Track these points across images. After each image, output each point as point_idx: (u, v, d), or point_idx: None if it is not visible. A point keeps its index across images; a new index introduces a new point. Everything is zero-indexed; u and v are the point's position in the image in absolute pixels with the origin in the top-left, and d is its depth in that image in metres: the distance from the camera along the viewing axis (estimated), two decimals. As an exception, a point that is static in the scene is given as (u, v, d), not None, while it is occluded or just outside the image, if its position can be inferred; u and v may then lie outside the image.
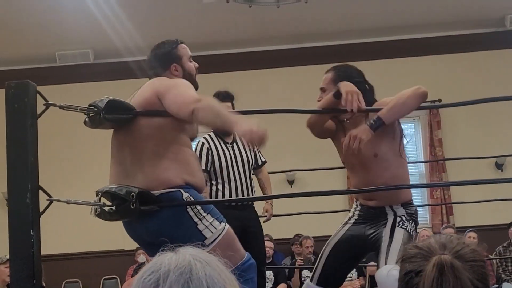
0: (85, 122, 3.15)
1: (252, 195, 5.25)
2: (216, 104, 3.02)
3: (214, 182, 5.06)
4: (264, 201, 5.58)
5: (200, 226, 3.03)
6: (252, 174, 5.40)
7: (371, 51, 9.33)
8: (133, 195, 2.94)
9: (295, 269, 8.13)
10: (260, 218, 5.36)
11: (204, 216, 3.06)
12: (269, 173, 5.74)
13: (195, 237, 2.91)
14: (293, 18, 8.29)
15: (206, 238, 3.02)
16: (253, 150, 5.33)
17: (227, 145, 5.13)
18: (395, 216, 3.61)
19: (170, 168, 3.04)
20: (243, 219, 4.91)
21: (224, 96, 5.13)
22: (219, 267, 1.10)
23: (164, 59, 3.35)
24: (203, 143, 5.10)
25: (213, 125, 3.12)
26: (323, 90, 3.79)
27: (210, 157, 5.05)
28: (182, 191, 3.04)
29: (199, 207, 3.05)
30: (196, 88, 3.31)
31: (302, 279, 7.83)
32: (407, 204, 3.72)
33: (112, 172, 3.20)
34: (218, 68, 8.95)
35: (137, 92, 3.27)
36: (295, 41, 9.32)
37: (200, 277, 1.06)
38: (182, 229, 3.01)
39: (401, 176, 3.73)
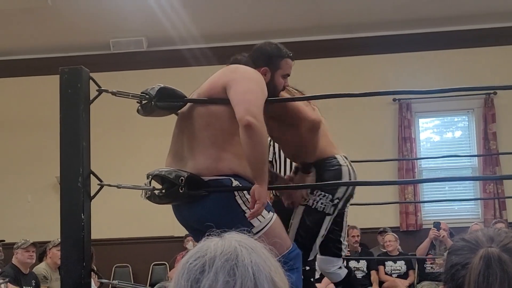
0: (138, 110, 3.17)
1: None
2: (265, 141, 2.98)
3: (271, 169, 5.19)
4: None
5: (248, 214, 3.04)
6: None
7: (424, 42, 9.23)
8: (182, 179, 2.96)
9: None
10: None
11: None
12: None
13: (243, 225, 2.88)
14: (343, 7, 8.24)
15: (254, 226, 3.02)
16: None
17: None
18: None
19: (223, 158, 3.04)
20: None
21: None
22: (265, 254, 1.10)
23: (263, 59, 3.34)
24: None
25: (247, 156, 2.95)
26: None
27: (270, 149, 5.15)
28: (232, 179, 3.04)
29: (248, 196, 3.03)
30: (278, 91, 3.36)
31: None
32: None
33: (168, 158, 3.23)
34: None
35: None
36: (346, 30, 9.26)
37: (246, 264, 1.06)
38: (230, 216, 3.00)
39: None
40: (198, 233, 3.15)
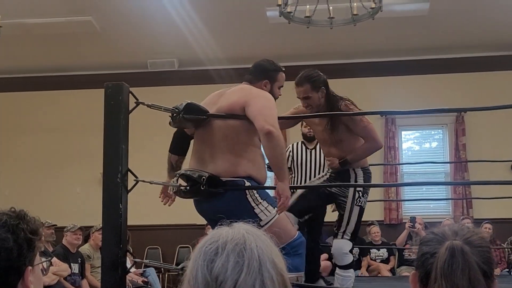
0: (170, 123, 3.19)
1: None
2: (283, 145, 3.04)
3: (291, 175, 5.34)
4: None
5: (256, 210, 3.06)
6: None
7: (409, 67, 9.22)
8: (203, 179, 2.99)
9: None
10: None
11: (260, 202, 3.08)
12: None
13: (251, 218, 2.91)
14: (344, 37, 8.23)
15: (261, 220, 3.04)
16: None
17: (307, 150, 5.37)
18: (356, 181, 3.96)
19: (239, 164, 3.06)
20: None
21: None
22: (267, 241, 1.12)
23: (263, 73, 3.34)
24: (288, 149, 5.41)
25: (269, 158, 3.04)
26: (307, 98, 3.86)
27: (290, 158, 5.38)
28: (245, 180, 3.07)
29: (257, 195, 3.08)
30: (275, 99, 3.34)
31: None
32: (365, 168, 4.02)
33: (191, 161, 3.24)
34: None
35: (226, 90, 3.27)
36: (345, 57, 9.26)
37: (252, 248, 1.07)
38: (241, 211, 3.01)
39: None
40: (214, 223, 3.15)
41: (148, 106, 2.93)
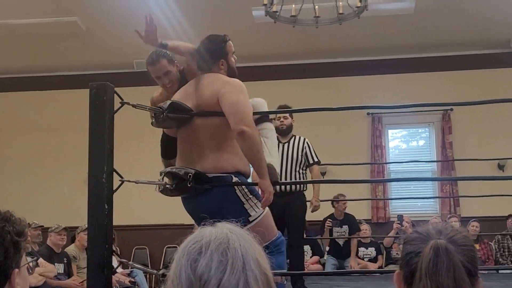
0: (152, 123, 3.18)
1: (296, 186, 5.41)
2: (258, 142, 3.01)
3: None
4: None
5: (246, 205, 3.06)
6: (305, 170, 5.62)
7: (394, 66, 9.27)
8: (190, 175, 2.98)
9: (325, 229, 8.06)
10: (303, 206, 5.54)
11: (250, 198, 3.08)
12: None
13: (241, 214, 2.96)
14: (330, 36, 8.25)
15: (250, 215, 3.05)
16: (302, 151, 5.53)
17: (280, 143, 5.26)
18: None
19: (226, 159, 3.06)
20: (282, 204, 4.97)
21: (282, 107, 5.48)
22: (250, 239, 1.12)
23: (214, 55, 3.25)
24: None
25: (247, 157, 3.04)
26: (167, 73, 3.63)
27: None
28: (233, 175, 3.06)
29: (246, 190, 3.07)
30: (236, 76, 3.30)
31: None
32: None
33: (178, 160, 3.24)
34: (265, 76, 8.96)
35: (196, 85, 3.23)
36: (331, 56, 9.28)
37: (235, 247, 1.08)
38: (230, 206, 3.02)
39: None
40: (201, 221, 3.15)
41: (133, 106, 2.92)
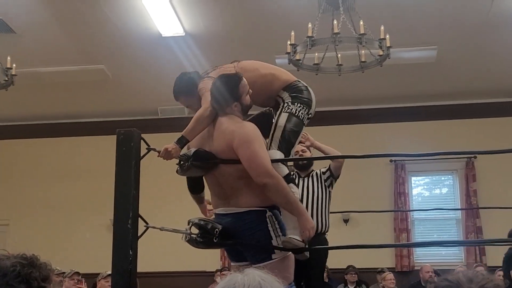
0: (176, 171, 3.18)
1: (323, 224, 4.81)
2: (284, 186, 2.97)
3: None
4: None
5: (274, 242, 3.04)
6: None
7: (417, 113, 9.26)
8: (216, 231, 2.98)
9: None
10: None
11: (280, 235, 3.06)
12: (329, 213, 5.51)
13: (268, 248, 3.03)
14: (352, 84, 8.29)
15: (274, 253, 3.03)
16: (325, 174, 5.08)
17: (301, 178, 5.02)
18: (283, 102, 3.37)
19: (258, 194, 3.04)
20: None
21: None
22: (279, 286, 1.12)
23: (228, 98, 3.17)
24: None
25: (281, 205, 3.04)
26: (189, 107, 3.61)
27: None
28: (267, 209, 3.07)
29: (277, 226, 3.06)
30: (250, 107, 3.27)
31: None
32: (289, 86, 3.41)
33: (213, 199, 3.27)
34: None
35: (212, 131, 3.21)
36: (353, 103, 9.31)
37: None
38: (259, 238, 3.04)
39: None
40: (233, 250, 3.26)
41: (159, 152, 2.95)
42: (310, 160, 5.11)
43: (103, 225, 9.36)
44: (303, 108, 3.35)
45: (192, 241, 3.06)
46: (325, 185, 5.08)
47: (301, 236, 3.03)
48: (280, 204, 3.04)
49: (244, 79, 3.24)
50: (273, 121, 3.34)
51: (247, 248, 3.13)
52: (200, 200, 3.52)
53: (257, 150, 2.99)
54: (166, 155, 3.10)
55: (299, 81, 3.49)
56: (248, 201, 3.07)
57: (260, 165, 2.95)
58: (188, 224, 3.08)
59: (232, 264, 3.48)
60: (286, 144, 3.25)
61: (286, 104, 3.33)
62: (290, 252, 3.10)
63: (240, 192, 3.08)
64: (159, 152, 3.01)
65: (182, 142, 3.17)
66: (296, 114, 3.30)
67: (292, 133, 3.28)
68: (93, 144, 9.79)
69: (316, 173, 5.15)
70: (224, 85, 3.20)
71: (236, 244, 3.12)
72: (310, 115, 3.40)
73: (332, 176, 5.12)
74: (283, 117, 3.29)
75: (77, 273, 6.77)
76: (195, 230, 3.08)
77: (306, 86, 3.48)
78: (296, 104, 3.34)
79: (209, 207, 3.52)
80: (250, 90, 3.26)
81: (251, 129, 3.10)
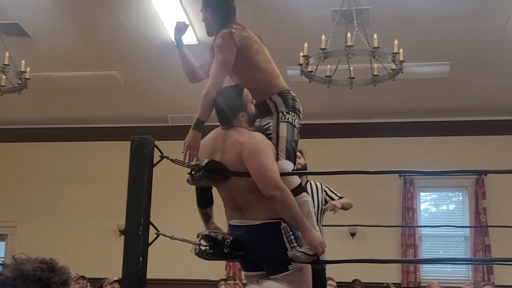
0: (187, 180, 3.18)
1: None
2: (291, 200, 2.96)
3: None
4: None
5: (289, 253, 3.02)
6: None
7: (428, 129, 9.24)
8: (227, 242, 2.98)
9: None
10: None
11: (295, 246, 3.04)
12: (335, 226, 5.50)
13: (284, 259, 3.01)
14: (364, 97, 8.29)
15: (290, 264, 3.02)
16: (322, 195, 5.15)
17: None
18: (277, 111, 3.32)
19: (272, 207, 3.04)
20: None
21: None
22: None
23: (232, 111, 3.17)
24: None
25: (286, 219, 3.00)
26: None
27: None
28: (282, 221, 3.04)
29: (292, 237, 3.04)
30: (256, 117, 3.27)
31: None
32: (283, 93, 3.38)
33: (227, 211, 3.25)
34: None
35: (217, 144, 3.21)
36: (364, 116, 9.31)
37: None
38: (275, 249, 3.02)
39: None
40: (246, 260, 3.23)
41: (172, 161, 2.94)
42: (316, 174, 5.15)
43: (110, 231, 9.39)
44: (297, 118, 3.36)
45: (202, 254, 3.05)
46: (322, 201, 5.11)
47: (312, 252, 3.00)
48: (285, 217, 3.00)
49: (246, 89, 3.24)
50: (258, 122, 3.34)
51: (262, 259, 3.13)
52: (206, 218, 3.42)
53: (265, 162, 2.98)
54: (192, 150, 3.09)
55: (290, 90, 3.47)
56: (263, 214, 3.05)
57: (268, 177, 2.94)
58: (197, 237, 3.08)
59: (244, 273, 3.48)
60: (291, 154, 3.25)
61: (282, 114, 3.31)
62: (306, 265, 3.09)
63: (254, 205, 3.08)
64: (172, 160, 2.97)
65: (199, 126, 3.19)
66: (293, 124, 3.30)
67: (294, 142, 3.29)
68: (103, 149, 9.83)
69: (317, 186, 5.17)
70: (228, 97, 3.20)
71: (247, 255, 3.11)
72: (300, 126, 3.39)
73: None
74: (283, 127, 3.28)
75: (83, 277, 6.77)
76: (204, 243, 3.07)
77: (294, 96, 3.45)
78: (291, 113, 3.33)
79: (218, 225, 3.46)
80: (254, 100, 3.26)
81: (260, 139, 3.10)
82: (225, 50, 3.24)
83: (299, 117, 3.38)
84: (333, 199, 5.20)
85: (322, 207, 5.11)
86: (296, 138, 3.32)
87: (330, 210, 5.08)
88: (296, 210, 2.97)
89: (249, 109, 3.22)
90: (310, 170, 5.25)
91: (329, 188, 5.28)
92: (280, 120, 3.30)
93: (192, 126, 3.19)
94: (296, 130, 3.32)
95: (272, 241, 3.05)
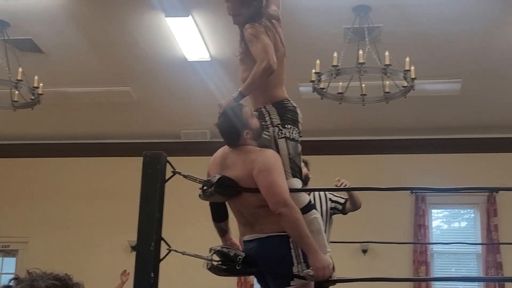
0: (199, 195, 3.18)
1: None
2: (299, 219, 2.92)
3: None
4: None
5: (295, 268, 2.99)
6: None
7: (439, 146, 9.20)
8: (239, 258, 2.96)
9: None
10: None
11: (301, 262, 3.00)
12: (347, 242, 5.46)
13: (288, 275, 2.98)
14: (376, 114, 8.28)
15: (293, 280, 2.99)
16: (326, 203, 5.08)
17: None
18: (270, 120, 3.26)
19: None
20: None
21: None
22: None
23: (236, 132, 3.15)
24: None
25: (293, 238, 2.96)
26: (237, 15, 3.38)
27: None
28: None
29: (300, 252, 3.00)
30: (261, 130, 3.23)
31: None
32: (279, 103, 3.32)
33: (240, 227, 3.25)
34: (309, 151, 8.95)
35: (225, 162, 3.20)
36: (376, 133, 9.29)
37: None
38: (280, 261, 3.01)
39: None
40: (260, 275, 3.24)
41: (184, 176, 2.94)
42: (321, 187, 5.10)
43: (122, 247, 9.39)
44: (294, 128, 3.29)
45: (214, 269, 3.03)
46: (330, 212, 5.05)
47: (316, 275, 2.91)
48: (292, 236, 2.96)
49: (244, 105, 3.22)
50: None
51: (268, 272, 3.11)
52: (222, 232, 3.39)
53: (276, 179, 2.97)
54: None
55: (289, 100, 3.42)
56: (271, 226, 3.04)
57: (277, 194, 2.93)
58: (210, 252, 3.07)
59: None
60: (296, 170, 3.22)
61: (278, 129, 3.25)
62: (311, 282, 3.07)
63: (262, 218, 3.07)
64: (184, 176, 2.97)
65: (239, 99, 3.19)
66: (291, 138, 3.25)
67: (297, 157, 3.25)
68: (115, 165, 9.85)
69: (320, 195, 5.08)
70: (228, 120, 3.19)
71: (259, 271, 3.10)
72: (300, 135, 3.34)
73: (341, 211, 5.09)
74: (282, 143, 3.23)
75: None
76: (216, 258, 3.07)
77: (294, 106, 3.40)
78: (286, 126, 3.26)
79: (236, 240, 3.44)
80: (255, 113, 3.25)
81: (271, 156, 3.08)
82: (261, 34, 3.23)
83: (298, 127, 3.32)
84: (340, 203, 5.13)
85: (327, 218, 5.00)
86: (298, 151, 3.27)
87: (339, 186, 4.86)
88: (303, 229, 2.93)
89: (252, 124, 3.18)
90: (321, 186, 5.22)
91: (333, 194, 5.20)
92: (277, 137, 3.24)
93: (234, 96, 3.20)
94: (295, 142, 3.26)
95: (279, 254, 3.03)
